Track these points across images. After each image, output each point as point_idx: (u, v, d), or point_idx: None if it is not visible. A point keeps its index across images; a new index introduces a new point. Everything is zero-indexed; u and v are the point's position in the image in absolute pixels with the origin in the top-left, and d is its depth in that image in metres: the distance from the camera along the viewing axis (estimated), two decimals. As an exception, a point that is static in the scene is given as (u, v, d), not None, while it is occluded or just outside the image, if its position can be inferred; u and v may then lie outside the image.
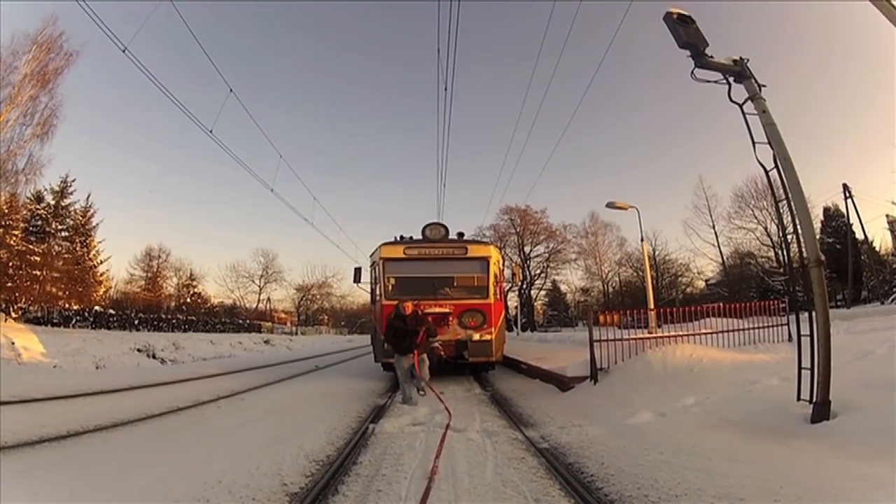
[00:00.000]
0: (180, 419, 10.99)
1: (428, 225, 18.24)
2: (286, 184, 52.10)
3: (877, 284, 36.80)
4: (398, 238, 18.64)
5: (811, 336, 7.77)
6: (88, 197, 52.50)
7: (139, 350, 26.11)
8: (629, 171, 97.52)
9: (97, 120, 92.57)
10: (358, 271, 20.46)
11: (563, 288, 75.03)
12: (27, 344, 21.14)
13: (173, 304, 65.55)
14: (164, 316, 45.73)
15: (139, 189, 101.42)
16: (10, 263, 35.02)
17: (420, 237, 18.30)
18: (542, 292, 75.49)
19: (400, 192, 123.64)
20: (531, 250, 71.43)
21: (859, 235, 40.94)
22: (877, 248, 43.61)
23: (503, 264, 21.33)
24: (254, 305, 77.84)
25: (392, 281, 17.76)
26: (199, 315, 56.74)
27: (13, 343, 20.44)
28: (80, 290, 44.93)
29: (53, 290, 38.97)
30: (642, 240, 27.10)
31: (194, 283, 71.13)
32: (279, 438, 9.50)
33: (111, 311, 38.15)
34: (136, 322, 37.70)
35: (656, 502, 5.97)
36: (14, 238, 37.91)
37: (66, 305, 36.10)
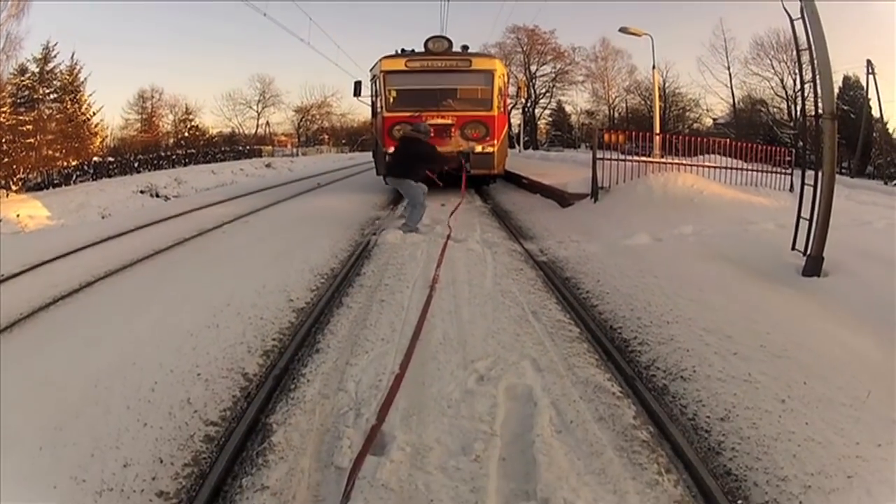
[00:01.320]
0: (186, 249, 11.08)
1: (431, 38, 17.54)
2: (280, 6, 49.44)
3: (884, 164, 36.29)
4: (399, 51, 18.10)
5: (814, 188, 7.72)
6: (73, 55, 50.18)
7: (142, 192, 25.95)
8: (648, 6, 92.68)
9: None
10: (358, 85, 20.18)
11: (567, 109, 73.39)
12: (32, 212, 20.94)
13: (171, 140, 64.08)
14: (163, 154, 45.02)
15: (123, 33, 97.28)
16: (3, 139, 33.92)
17: (423, 50, 17.71)
18: (547, 111, 74.09)
19: (402, 8, 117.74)
20: (537, 69, 69.13)
21: (876, 113, 40.09)
22: (891, 131, 42.73)
23: (508, 79, 20.96)
24: (253, 131, 76.06)
25: (393, 93, 17.44)
26: (198, 147, 55.73)
27: (17, 216, 20.40)
28: (77, 145, 43.87)
29: (49, 152, 37.68)
30: (654, 67, 26.41)
31: (191, 116, 69.14)
32: (283, 255, 9.73)
33: (110, 160, 37.66)
34: (136, 165, 37.24)
35: (648, 326, 6.17)
36: (3, 115, 36.64)
37: (65, 164, 35.38)
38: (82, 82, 51.00)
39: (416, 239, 10.63)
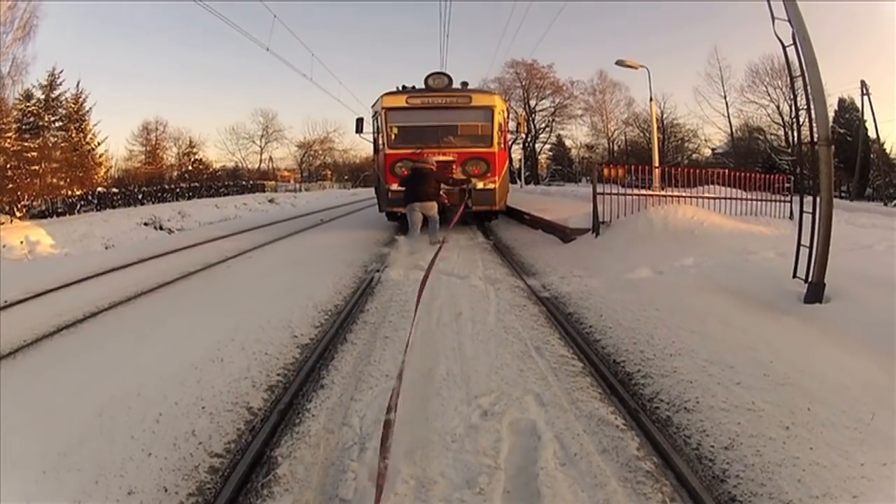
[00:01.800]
0: (191, 283, 11.17)
1: (431, 74, 17.60)
2: (282, 42, 49.97)
3: (882, 185, 36.36)
4: (400, 88, 18.12)
5: (813, 215, 7.75)
6: (78, 84, 50.68)
7: (146, 224, 25.90)
8: (642, 36, 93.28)
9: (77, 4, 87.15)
10: (360, 121, 20.11)
11: (567, 143, 74.05)
12: (36, 239, 20.87)
13: (175, 173, 64.74)
14: (167, 186, 44.68)
15: (128, 66, 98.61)
16: (8, 165, 34.13)
17: (423, 87, 17.73)
18: (547, 146, 74.68)
19: (401, 45, 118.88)
20: (536, 104, 69.87)
21: (872, 134, 40.25)
22: (888, 151, 42.87)
23: (508, 115, 21.01)
24: (256, 166, 77.07)
25: (395, 130, 17.48)
26: (201, 181, 55.58)
27: (27, 237, 20.32)
28: (81, 175, 44.10)
29: (54, 180, 38.09)
30: (651, 99, 26.78)
31: (194, 150, 70.15)
32: (288, 291, 9.76)
33: (114, 190, 37.36)
34: (140, 196, 36.82)
35: (651, 359, 6.16)
36: (8, 140, 36.81)
37: (69, 193, 35.51)
38: (87, 111, 51.52)
39: (419, 276, 10.54)
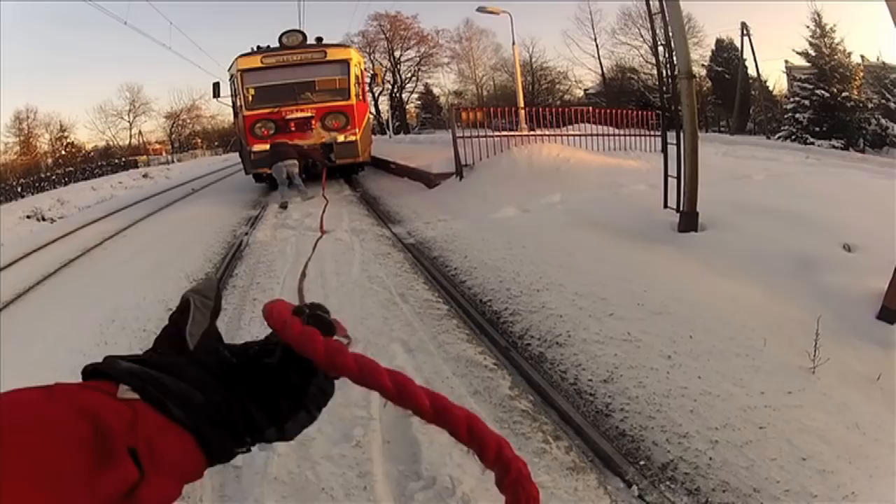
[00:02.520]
0: (73, 270, 10.90)
1: (285, 32, 17.51)
2: (140, 14, 47.03)
3: (764, 120, 37.85)
4: (255, 48, 17.88)
5: (678, 146, 7.82)
6: None
7: (28, 217, 24.94)
8: None
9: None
10: (216, 86, 20.07)
11: (436, 91, 73.84)
12: None
13: (50, 160, 62.52)
14: (44, 175, 43.16)
15: None
16: None
17: (277, 46, 17.57)
18: (415, 96, 74.68)
19: (260, 7, 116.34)
20: (401, 55, 69.75)
21: (752, 73, 41.86)
22: (770, 88, 44.49)
23: (365, 66, 21.09)
24: (127, 142, 74.09)
25: (251, 91, 17.24)
26: (76, 165, 53.74)
27: None
28: None
29: None
30: (514, 43, 26.97)
31: (66, 133, 67.01)
32: (160, 265, 9.75)
33: None
34: (20, 190, 35.56)
35: (518, 296, 6.02)
36: None
37: None
38: None
39: (286, 234, 10.59)
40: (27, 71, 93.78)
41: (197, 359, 0.75)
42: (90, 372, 0.70)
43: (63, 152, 64.46)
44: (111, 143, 73.31)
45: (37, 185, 38.22)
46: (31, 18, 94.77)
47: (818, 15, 32.85)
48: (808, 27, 32.83)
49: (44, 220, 23.85)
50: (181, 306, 0.79)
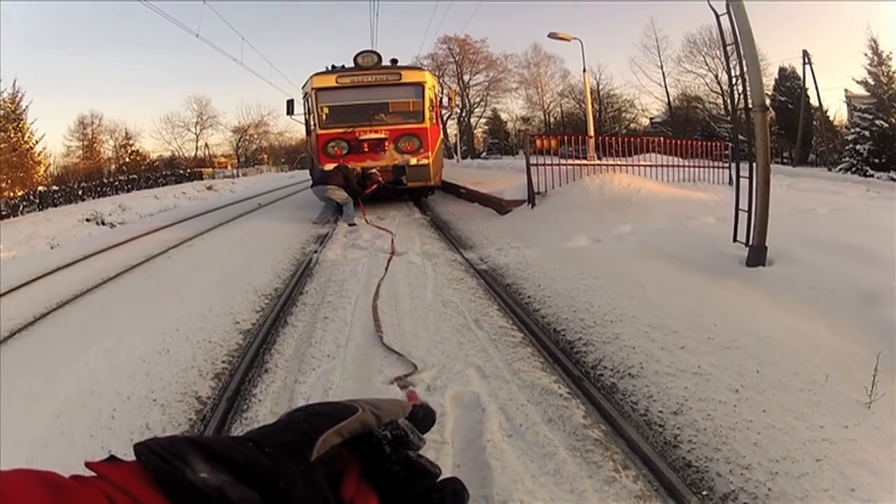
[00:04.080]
0: (134, 276, 10.94)
1: (360, 53, 17.63)
2: (212, 28, 48.06)
3: (826, 151, 37.15)
4: (329, 68, 18.09)
5: (750, 179, 7.78)
6: (14, 83, 48.33)
7: (87, 220, 25.18)
8: (576, 8, 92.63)
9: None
10: (291, 103, 20.08)
11: (503, 116, 73.83)
12: None
13: (113, 166, 63.80)
14: (106, 180, 43.98)
15: (59, 59, 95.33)
16: None
17: (352, 66, 17.72)
18: (483, 120, 74.67)
19: (332, 26, 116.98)
20: (470, 79, 69.51)
21: (814, 102, 41.02)
22: (831, 118, 43.66)
23: (439, 90, 21.17)
24: (192, 154, 75.46)
25: (325, 110, 17.46)
26: (140, 173, 54.94)
27: None
28: (22, 175, 43.00)
29: None
30: (584, 70, 26.70)
31: (131, 141, 68.61)
32: (228, 278, 9.62)
33: (55, 188, 36.44)
34: (81, 193, 36.26)
35: (591, 326, 6.10)
36: None
37: (11, 194, 34.56)
38: (24, 110, 49.21)
39: (357, 255, 10.67)
40: (95, 77, 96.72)
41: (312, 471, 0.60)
42: (141, 452, 0.56)
43: (127, 159, 65.92)
44: (176, 153, 75.23)
45: (98, 189, 38.95)
46: (100, 23, 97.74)
47: (875, 42, 32.20)
48: (865, 55, 32.24)
49: (103, 224, 24.44)
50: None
